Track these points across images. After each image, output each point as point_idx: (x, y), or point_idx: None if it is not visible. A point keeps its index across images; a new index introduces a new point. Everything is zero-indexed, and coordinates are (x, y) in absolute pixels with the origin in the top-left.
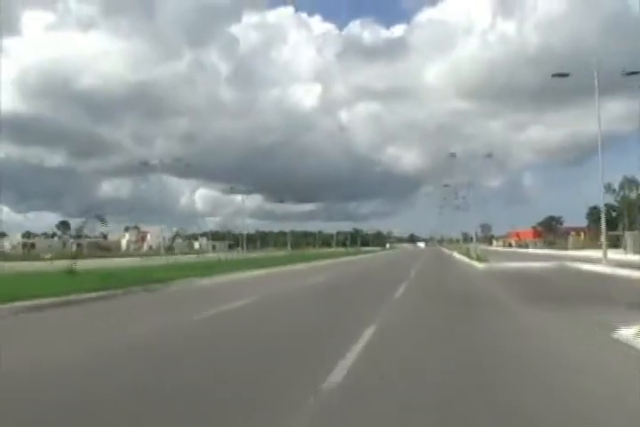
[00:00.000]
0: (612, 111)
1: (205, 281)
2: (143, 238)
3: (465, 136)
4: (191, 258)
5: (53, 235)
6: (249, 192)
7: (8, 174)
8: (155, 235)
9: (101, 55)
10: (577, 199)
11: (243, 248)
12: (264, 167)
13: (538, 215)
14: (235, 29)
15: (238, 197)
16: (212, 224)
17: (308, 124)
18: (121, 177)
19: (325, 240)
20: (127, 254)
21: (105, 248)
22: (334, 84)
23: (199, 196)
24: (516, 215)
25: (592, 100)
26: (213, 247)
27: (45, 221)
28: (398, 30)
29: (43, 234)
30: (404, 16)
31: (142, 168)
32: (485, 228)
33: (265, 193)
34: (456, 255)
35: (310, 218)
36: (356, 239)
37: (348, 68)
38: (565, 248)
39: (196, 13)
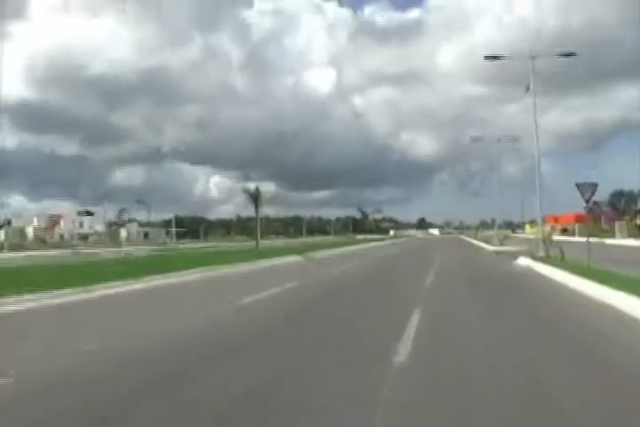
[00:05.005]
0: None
1: None
2: (55, 225)
3: (480, 121)
4: None
5: None
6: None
7: (20, 162)
8: (68, 220)
9: (111, 41)
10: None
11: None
12: (278, 154)
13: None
14: (247, 14)
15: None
16: (224, 212)
17: (321, 109)
18: (134, 165)
19: (322, 227)
20: None
21: None
22: (348, 69)
23: (213, 183)
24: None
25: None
26: (145, 235)
27: (60, 209)
28: (413, 13)
29: None
30: None
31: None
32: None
33: (279, 180)
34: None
35: (324, 205)
36: (348, 225)
37: (362, 53)
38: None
39: None
